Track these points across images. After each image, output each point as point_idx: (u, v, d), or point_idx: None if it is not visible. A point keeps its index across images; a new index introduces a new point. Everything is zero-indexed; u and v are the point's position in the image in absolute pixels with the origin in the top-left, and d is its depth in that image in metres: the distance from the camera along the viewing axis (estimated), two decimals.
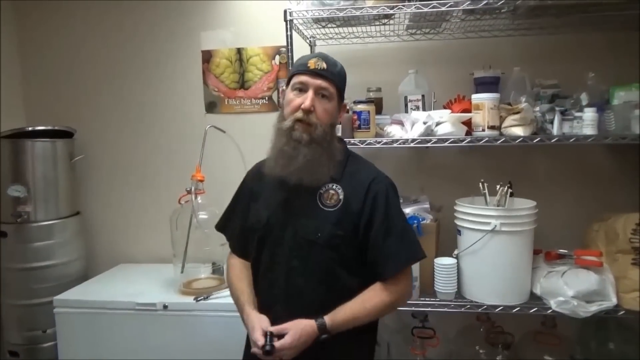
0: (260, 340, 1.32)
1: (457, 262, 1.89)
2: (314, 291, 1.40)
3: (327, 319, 1.34)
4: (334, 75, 1.41)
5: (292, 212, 1.44)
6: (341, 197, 1.42)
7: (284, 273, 1.42)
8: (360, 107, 1.94)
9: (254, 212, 1.51)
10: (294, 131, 1.38)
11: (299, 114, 1.38)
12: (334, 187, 1.43)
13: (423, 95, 2.06)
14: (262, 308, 1.45)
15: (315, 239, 1.39)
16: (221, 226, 1.65)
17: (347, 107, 1.97)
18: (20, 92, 2.67)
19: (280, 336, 1.32)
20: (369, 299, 1.40)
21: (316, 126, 1.38)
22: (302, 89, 1.40)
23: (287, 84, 1.47)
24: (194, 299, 2.04)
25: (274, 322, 1.39)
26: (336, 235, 1.39)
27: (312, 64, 1.39)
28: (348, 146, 1.77)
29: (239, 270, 1.57)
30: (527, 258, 1.85)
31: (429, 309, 1.91)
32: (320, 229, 1.40)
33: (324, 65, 1.40)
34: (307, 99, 1.37)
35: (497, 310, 1.83)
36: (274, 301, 1.43)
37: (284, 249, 1.42)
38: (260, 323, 1.37)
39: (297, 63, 1.46)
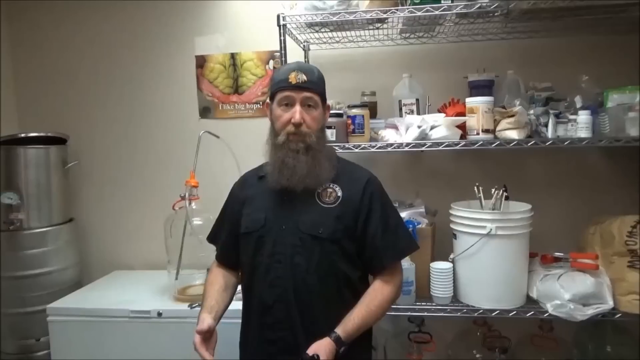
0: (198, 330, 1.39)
1: (453, 266, 1.88)
2: (320, 285, 1.42)
3: (340, 331, 1.37)
4: (315, 85, 1.47)
5: (291, 211, 1.47)
6: (339, 194, 1.48)
7: (288, 270, 1.43)
8: (354, 111, 1.94)
9: (246, 217, 1.53)
10: (290, 143, 1.44)
11: (291, 128, 1.44)
12: (332, 185, 1.49)
13: (417, 99, 2.06)
14: (262, 308, 1.46)
15: (318, 234, 1.43)
16: (211, 238, 1.70)
17: (342, 111, 1.97)
18: (13, 98, 2.65)
19: None
20: (372, 300, 1.45)
21: (309, 135, 1.44)
22: (288, 103, 1.45)
23: (271, 98, 1.51)
24: (189, 306, 2.02)
25: (275, 322, 1.44)
26: (338, 229, 1.44)
27: (292, 78, 1.43)
28: (343, 150, 1.81)
29: (214, 276, 1.61)
30: (523, 261, 1.85)
31: (426, 314, 1.91)
32: (322, 224, 1.44)
33: (304, 78, 1.44)
34: (296, 114, 1.43)
35: (493, 314, 1.82)
36: (276, 299, 1.44)
37: (286, 247, 1.44)
38: (203, 321, 1.42)
39: (277, 79, 1.49)
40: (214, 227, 1.69)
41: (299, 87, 1.43)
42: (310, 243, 1.43)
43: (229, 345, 1.59)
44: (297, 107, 1.43)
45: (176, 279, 2.14)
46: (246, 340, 1.55)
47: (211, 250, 1.70)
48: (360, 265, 1.50)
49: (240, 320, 1.57)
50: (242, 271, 1.57)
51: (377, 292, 1.46)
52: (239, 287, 1.62)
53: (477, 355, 2.07)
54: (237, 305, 1.61)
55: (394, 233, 1.50)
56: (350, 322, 1.39)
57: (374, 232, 1.47)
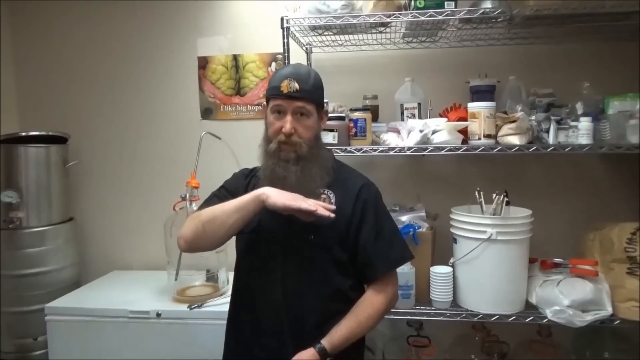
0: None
1: (453, 271, 1.89)
2: (310, 292, 1.41)
3: (325, 342, 1.36)
4: (308, 93, 1.41)
5: (284, 216, 1.43)
6: (333, 201, 1.45)
7: (278, 276, 1.42)
8: (356, 114, 1.94)
9: None
10: (281, 152, 1.41)
11: (282, 137, 1.40)
12: (326, 192, 1.47)
13: (419, 104, 2.07)
14: (251, 313, 1.45)
15: (310, 240, 1.41)
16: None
17: (344, 114, 1.98)
18: (14, 96, 2.65)
19: None
20: (362, 311, 1.42)
21: (300, 144, 1.41)
22: (279, 111, 1.42)
23: (267, 102, 1.48)
24: (188, 307, 2.02)
25: (264, 327, 1.42)
26: (330, 236, 1.42)
27: (284, 87, 1.39)
28: (345, 154, 1.79)
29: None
30: (523, 267, 1.85)
31: (425, 318, 1.90)
32: (314, 230, 1.41)
33: (297, 86, 1.39)
34: (286, 123, 1.39)
35: (492, 319, 1.82)
36: (266, 304, 1.43)
37: (277, 252, 1.43)
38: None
39: (270, 85, 1.45)
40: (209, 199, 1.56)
41: (290, 96, 1.39)
42: (301, 249, 1.42)
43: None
44: (288, 117, 1.39)
45: (176, 279, 2.14)
46: (236, 342, 1.52)
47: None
48: (353, 273, 1.47)
49: None
50: (234, 273, 1.55)
51: (367, 303, 1.44)
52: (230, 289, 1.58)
53: None
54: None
55: (387, 242, 1.47)
56: (337, 334, 1.37)
57: (365, 240, 1.44)
